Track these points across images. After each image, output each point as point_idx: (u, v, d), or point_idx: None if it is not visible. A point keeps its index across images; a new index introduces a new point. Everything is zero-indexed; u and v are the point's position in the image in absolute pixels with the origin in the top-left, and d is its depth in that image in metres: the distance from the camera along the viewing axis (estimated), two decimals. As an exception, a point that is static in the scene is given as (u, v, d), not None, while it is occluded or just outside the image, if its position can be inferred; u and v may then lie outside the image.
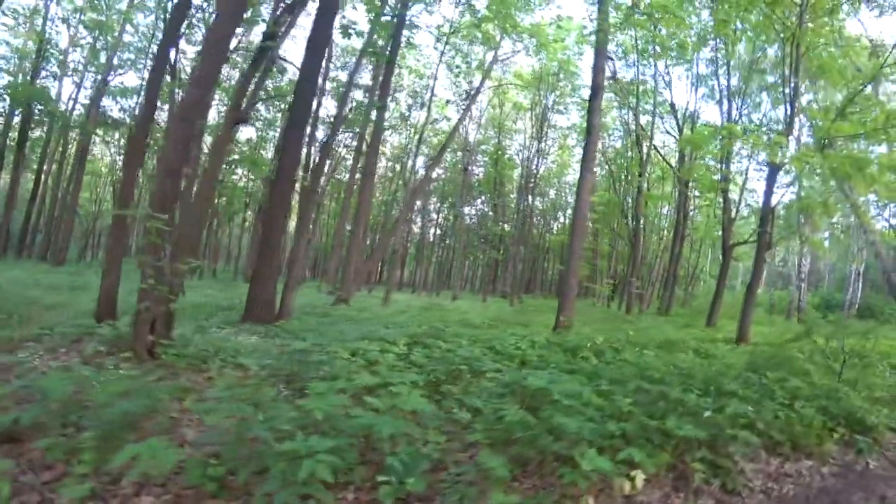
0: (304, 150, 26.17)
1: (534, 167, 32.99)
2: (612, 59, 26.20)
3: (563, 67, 28.08)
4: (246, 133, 30.35)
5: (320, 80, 22.59)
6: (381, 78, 18.47)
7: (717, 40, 23.58)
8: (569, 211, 47.05)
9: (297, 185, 15.26)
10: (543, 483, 3.21)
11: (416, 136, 23.64)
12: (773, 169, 13.26)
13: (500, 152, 33.85)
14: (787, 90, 13.41)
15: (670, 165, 26.88)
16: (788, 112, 13.35)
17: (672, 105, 26.74)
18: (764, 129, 22.38)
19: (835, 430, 5.27)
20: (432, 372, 5.70)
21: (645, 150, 24.38)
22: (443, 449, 3.44)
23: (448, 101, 25.22)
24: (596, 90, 13.98)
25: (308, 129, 16.49)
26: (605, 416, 3.70)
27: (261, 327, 9.06)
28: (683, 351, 9.61)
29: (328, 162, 28.16)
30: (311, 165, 23.99)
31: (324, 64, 21.71)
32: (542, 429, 3.25)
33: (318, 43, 10.45)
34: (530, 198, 33.85)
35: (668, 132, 29.26)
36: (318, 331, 8.67)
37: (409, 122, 28.25)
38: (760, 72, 23.72)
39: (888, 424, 5.96)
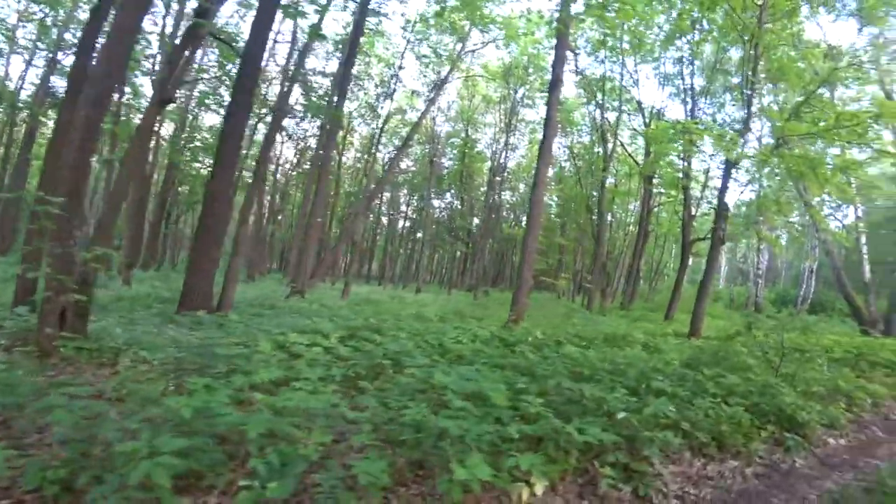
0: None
1: (502, 161, 32.80)
2: (576, 54, 26.26)
3: (533, 61, 27.86)
4: (210, 119, 29.31)
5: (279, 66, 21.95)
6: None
7: (683, 39, 23.76)
8: (538, 206, 47.19)
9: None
10: (431, 490, 2.91)
11: (380, 126, 23.07)
12: (729, 166, 13.26)
13: (468, 145, 33.49)
14: (745, 89, 13.36)
15: (636, 162, 26.96)
16: (746, 111, 13.32)
17: (639, 103, 26.85)
18: (726, 127, 22.59)
19: (764, 427, 5.12)
20: (353, 367, 5.37)
21: (610, 146, 24.33)
22: (327, 451, 3.11)
23: (414, 92, 24.77)
24: (555, 82, 13.75)
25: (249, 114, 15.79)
26: (513, 416, 3.42)
27: (194, 320, 8.57)
28: (630, 345, 9.49)
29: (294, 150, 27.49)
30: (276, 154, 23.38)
31: (288, 50, 21.15)
32: (433, 432, 2.94)
33: (262, 22, 9.91)
34: (499, 192, 33.63)
35: (635, 130, 29.38)
36: (253, 323, 8.22)
37: (377, 112, 27.68)
38: (724, 72, 23.89)
39: (820, 420, 5.87)
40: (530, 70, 27.79)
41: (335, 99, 17.63)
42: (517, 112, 31.28)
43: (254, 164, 26.42)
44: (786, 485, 4.11)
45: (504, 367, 5.39)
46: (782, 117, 12.58)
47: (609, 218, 38.60)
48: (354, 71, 26.98)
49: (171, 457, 2.51)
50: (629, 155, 26.88)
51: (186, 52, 8.65)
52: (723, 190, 13.16)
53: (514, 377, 4.65)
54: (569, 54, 27.31)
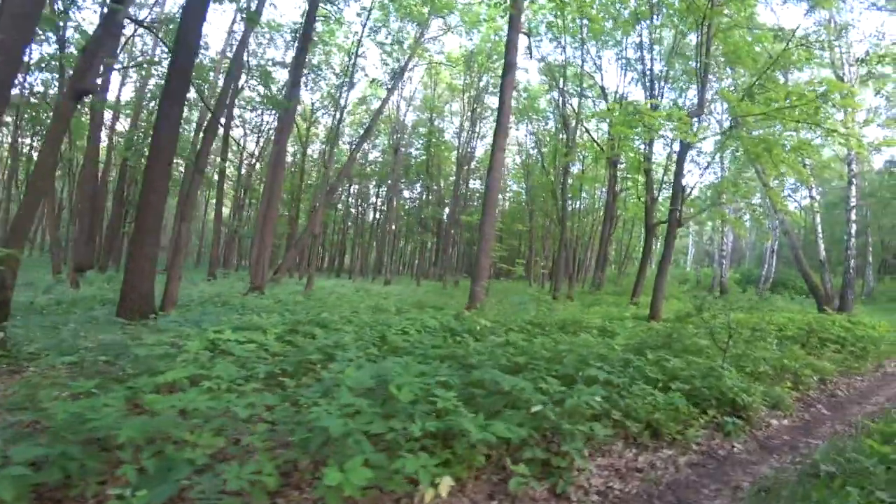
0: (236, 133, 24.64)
1: (470, 149, 32.42)
2: (532, 38, 25.98)
3: (495, 49, 27.52)
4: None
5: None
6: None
7: (643, 23, 23.73)
8: (508, 194, 47.08)
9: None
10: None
11: (338, 117, 22.45)
12: (684, 148, 13.18)
13: (433, 133, 33.01)
14: (699, 71, 13.27)
15: (600, 147, 26.88)
16: (700, 93, 13.24)
17: (602, 88, 26.80)
18: (685, 110, 22.63)
19: (705, 412, 4.96)
20: (281, 363, 5.03)
21: (573, 131, 24.21)
22: (221, 454, 2.80)
23: (374, 80, 24.13)
24: (508, 67, 13.50)
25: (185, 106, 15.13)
26: (430, 412, 3.13)
27: (131, 321, 8.09)
28: (585, 331, 9.34)
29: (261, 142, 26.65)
30: (243, 149, 22.65)
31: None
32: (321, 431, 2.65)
33: (193, 5, 9.35)
34: (467, 181, 33.31)
35: (596, 114, 29.29)
36: (192, 322, 7.78)
37: (339, 104, 26.96)
38: (684, 56, 23.93)
39: (764, 401, 5.76)
40: (494, 57, 27.41)
41: (287, 90, 16.99)
42: (482, 100, 30.92)
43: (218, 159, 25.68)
44: (720, 473, 3.93)
45: (442, 359, 5.11)
46: (737, 99, 12.51)
47: (578, 204, 38.87)
48: (316, 61, 26.39)
49: (24, 467, 2.19)
50: (594, 140, 26.72)
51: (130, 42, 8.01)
52: (678, 172, 13.09)
53: (446, 369, 4.37)
54: (531, 41, 27.15)
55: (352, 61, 21.65)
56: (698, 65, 13.28)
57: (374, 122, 23.08)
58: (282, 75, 25.67)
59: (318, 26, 22.76)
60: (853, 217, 19.65)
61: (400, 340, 6.31)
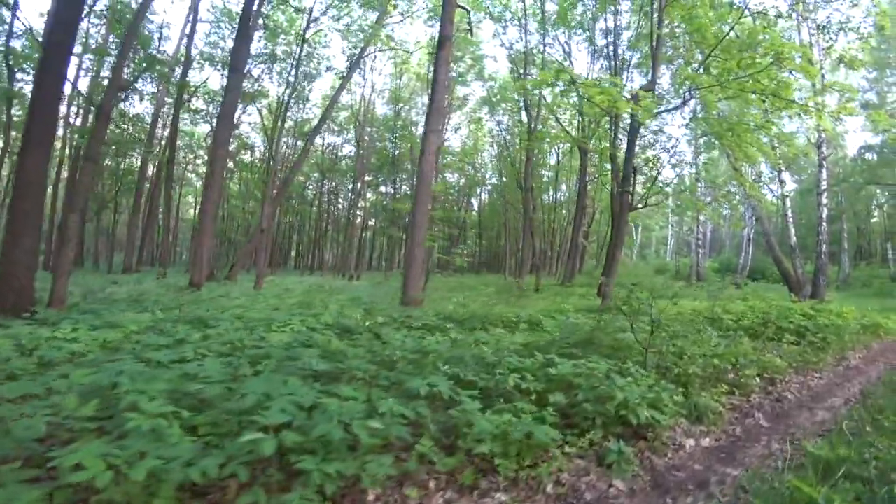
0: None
1: (441, 141, 30.89)
2: (498, 23, 24.66)
3: (464, 39, 26.07)
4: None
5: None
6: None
7: (611, 7, 22.43)
8: (487, 187, 45.72)
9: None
10: None
11: (282, 107, 21.00)
12: (634, 126, 11.85)
13: (397, 125, 31.47)
14: (651, 42, 11.93)
15: (569, 133, 25.53)
16: (652, 67, 11.91)
17: (571, 77, 25.40)
18: (663, 98, 21.21)
19: (585, 433, 3.64)
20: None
21: (537, 119, 22.85)
22: None
23: (329, 68, 22.74)
24: (442, 41, 12.21)
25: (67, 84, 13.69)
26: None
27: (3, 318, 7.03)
28: (512, 325, 8.12)
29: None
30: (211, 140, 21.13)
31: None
32: None
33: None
34: (440, 174, 31.83)
35: (571, 105, 27.92)
36: (63, 319, 6.68)
37: (301, 95, 25.53)
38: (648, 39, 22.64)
39: (680, 413, 4.45)
40: (459, 46, 25.97)
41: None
42: (452, 90, 29.42)
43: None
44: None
45: (254, 360, 3.79)
46: (692, 74, 11.20)
47: (556, 196, 37.57)
48: (280, 52, 24.93)
49: None
50: (562, 126, 25.27)
51: None
52: (629, 151, 11.75)
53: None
54: (498, 27, 25.79)
55: (299, 48, 20.16)
56: (651, 38, 11.96)
57: (329, 112, 21.62)
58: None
59: (274, 14, 21.36)
60: (824, 201, 18.43)
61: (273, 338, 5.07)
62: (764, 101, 10.87)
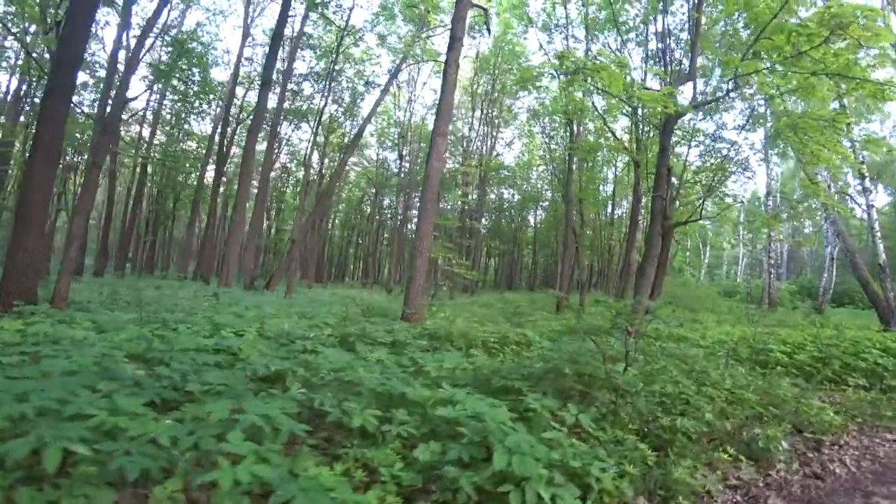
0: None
1: (478, 153, 29.46)
2: (554, 32, 23.04)
3: (512, 50, 24.84)
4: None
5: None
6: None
7: (661, 6, 20.23)
8: (544, 203, 43.60)
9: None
10: None
11: (316, 120, 20.54)
12: (669, 120, 9.91)
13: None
14: (689, 27, 10.06)
15: (620, 141, 23.27)
16: (691, 54, 10.00)
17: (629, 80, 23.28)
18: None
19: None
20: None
21: (579, 127, 20.93)
22: None
23: (368, 83, 22.19)
24: (453, 41, 11.02)
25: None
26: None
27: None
28: (502, 346, 6.71)
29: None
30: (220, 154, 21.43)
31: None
32: None
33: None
34: (491, 189, 30.49)
35: (623, 113, 25.67)
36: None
37: (352, 112, 25.24)
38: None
39: (620, 494, 2.83)
40: (502, 57, 24.73)
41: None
42: (499, 102, 28.15)
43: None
44: None
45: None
46: (733, 59, 9.20)
47: (611, 211, 34.96)
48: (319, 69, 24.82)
49: None
50: (614, 136, 23.02)
51: None
52: (663, 150, 9.83)
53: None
54: (544, 36, 24.24)
55: (332, 62, 19.74)
56: (689, 22, 10.08)
57: (365, 126, 20.98)
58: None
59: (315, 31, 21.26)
60: (923, 212, 15.11)
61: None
62: (832, 82, 8.63)
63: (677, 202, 19.39)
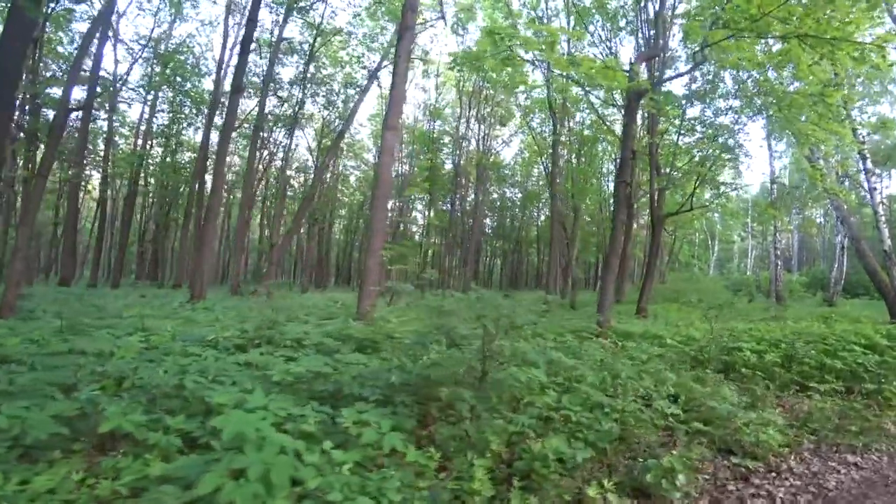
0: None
1: (473, 151, 28.38)
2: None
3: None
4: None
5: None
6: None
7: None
8: (546, 201, 42.36)
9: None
10: None
11: (292, 126, 19.82)
12: (631, 100, 8.86)
13: (432, 139, 29.39)
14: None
15: (612, 131, 22.05)
16: (656, 28, 8.96)
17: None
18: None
19: None
20: None
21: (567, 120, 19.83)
22: None
23: (349, 83, 21.49)
24: (402, 32, 10.19)
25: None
26: None
27: None
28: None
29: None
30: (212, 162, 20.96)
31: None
32: None
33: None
34: (486, 189, 29.49)
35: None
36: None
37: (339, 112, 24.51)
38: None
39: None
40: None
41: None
42: (492, 100, 27.15)
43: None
44: None
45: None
46: (697, 27, 8.16)
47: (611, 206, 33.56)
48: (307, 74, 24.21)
49: None
50: (607, 127, 21.74)
51: None
52: (626, 132, 8.79)
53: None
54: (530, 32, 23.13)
55: (306, 62, 19.08)
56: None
57: (346, 128, 20.27)
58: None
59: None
60: (931, 193, 13.71)
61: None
62: (807, 47, 7.52)
63: (667, 193, 18.27)
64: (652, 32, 18.54)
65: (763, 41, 9.08)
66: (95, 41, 19.24)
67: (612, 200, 33.86)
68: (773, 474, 3.35)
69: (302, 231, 28.20)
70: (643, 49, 21.62)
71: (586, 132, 22.88)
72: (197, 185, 20.75)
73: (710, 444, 3.67)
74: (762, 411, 4.26)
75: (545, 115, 26.03)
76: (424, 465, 2.64)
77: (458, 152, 30.90)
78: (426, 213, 38.06)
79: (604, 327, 8.68)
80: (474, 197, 30.28)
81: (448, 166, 33.66)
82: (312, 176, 26.66)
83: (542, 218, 43.65)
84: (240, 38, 22.88)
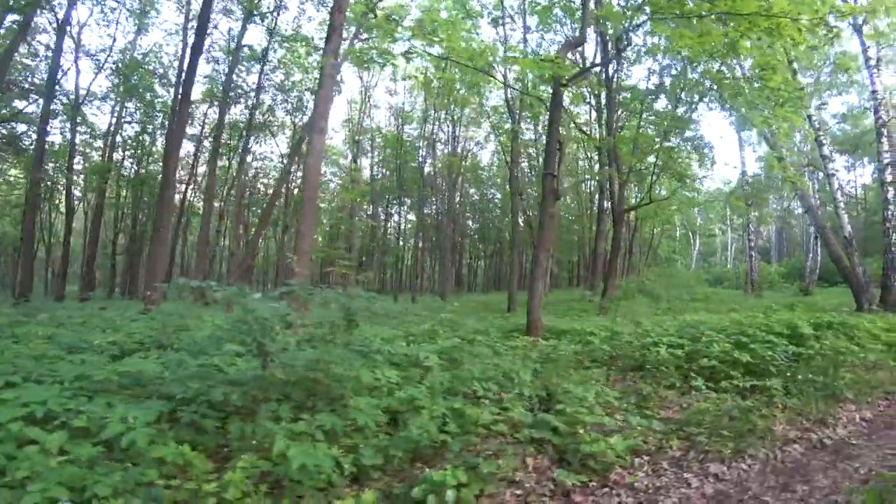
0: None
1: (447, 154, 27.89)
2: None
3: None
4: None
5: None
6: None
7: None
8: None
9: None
10: None
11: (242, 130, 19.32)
12: (557, 91, 8.36)
13: (398, 140, 28.85)
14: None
15: (582, 131, 21.65)
16: (582, 14, 8.50)
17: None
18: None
19: None
20: None
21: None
22: None
23: (294, 83, 21.04)
24: (331, 31, 9.82)
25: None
26: None
27: None
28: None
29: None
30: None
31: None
32: None
33: None
34: (459, 191, 29.02)
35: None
36: None
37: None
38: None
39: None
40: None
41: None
42: (460, 102, 26.58)
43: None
44: None
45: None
46: (616, 12, 7.68)
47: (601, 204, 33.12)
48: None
49: None
50: (577, 126, 21.20)
51: None
52: (552, 122, 8.30)
53: None
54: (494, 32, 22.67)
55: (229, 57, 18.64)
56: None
57: (307, 134, 19.78)
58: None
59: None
60: (889, 178, 13.27)
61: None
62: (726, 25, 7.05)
63: (628, 187, 17.80)
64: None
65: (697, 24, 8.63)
66: (49, 52, 18.90)
67: (596, 196, 33.37)
68: (606, 489, 2.84)
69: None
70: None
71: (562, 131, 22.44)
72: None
73: (554, 453, 3.19)
74: (632, 414, 3.76)
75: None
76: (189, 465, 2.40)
77: (428, 153, 30.43)
78: (403, 216, 37.70)
79: (534, 325, 8.18)
80: (448, 199, 29.78)
81: (427, 169, 33.30)
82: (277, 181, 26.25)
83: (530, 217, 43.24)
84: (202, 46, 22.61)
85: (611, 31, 8.93)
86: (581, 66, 16.08)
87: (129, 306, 18.33)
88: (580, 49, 17.37)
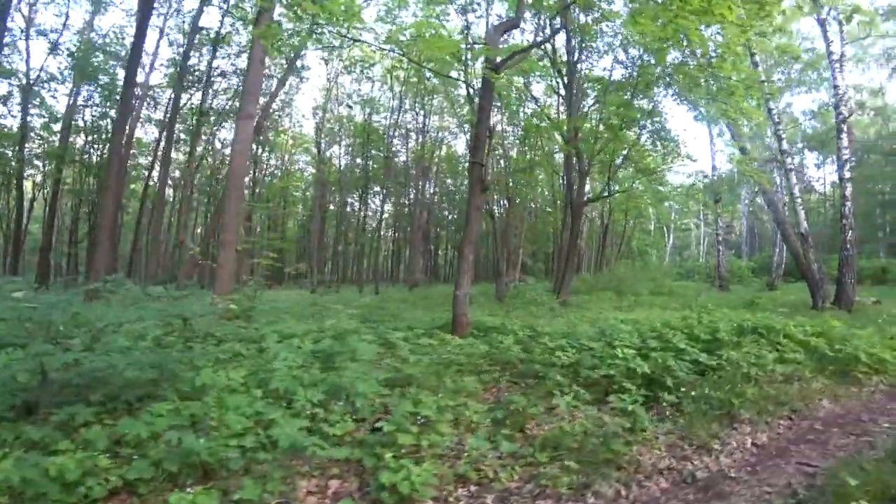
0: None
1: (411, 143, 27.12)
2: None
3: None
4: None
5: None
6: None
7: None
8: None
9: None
10: None
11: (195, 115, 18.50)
12: (487, 78, 7.74)
13: (365, 130, 27.99)
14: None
15: (549, 118, 20.90)
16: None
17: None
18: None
19: None
20: None
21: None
22: None
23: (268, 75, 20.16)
24: (261, 14, 9.15)
25: None
26: None
27: None
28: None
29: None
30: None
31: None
32: None
33: None
34: (422, 184, 28.30)
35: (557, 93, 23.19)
36: None
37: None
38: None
39: None
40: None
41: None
42: (431, 91, 25.82)
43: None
44: None
45: None
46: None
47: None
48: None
49: None
50: (546, 116, 20.38)
51: None
52: (481, 110, 7.69)
53: None
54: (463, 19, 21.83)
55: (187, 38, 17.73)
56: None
57: (264, 121, 19.02)
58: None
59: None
60: (847, 174, 12.89)
61: None
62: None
63: (587, 180, 17.29)
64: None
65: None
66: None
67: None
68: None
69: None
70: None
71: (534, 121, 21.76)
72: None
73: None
74: (479, 436, 3.22)
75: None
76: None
77: (402, 143, 29.62)
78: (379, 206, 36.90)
79: (458, 322, 7.63)
80: (419, 189, 29.08)
81: (401, 158, 32.47)
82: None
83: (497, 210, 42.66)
84: (164, 29, 21.62)
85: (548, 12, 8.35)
86: (551, 58, 15.53)
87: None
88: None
